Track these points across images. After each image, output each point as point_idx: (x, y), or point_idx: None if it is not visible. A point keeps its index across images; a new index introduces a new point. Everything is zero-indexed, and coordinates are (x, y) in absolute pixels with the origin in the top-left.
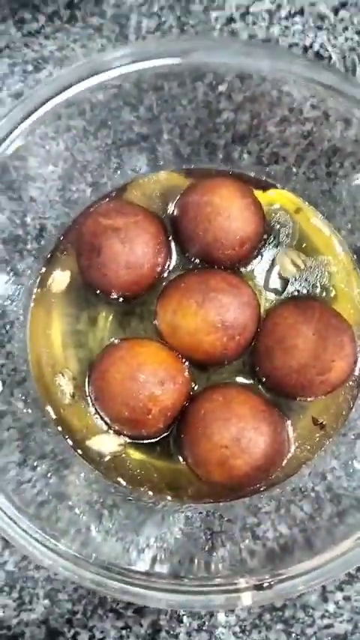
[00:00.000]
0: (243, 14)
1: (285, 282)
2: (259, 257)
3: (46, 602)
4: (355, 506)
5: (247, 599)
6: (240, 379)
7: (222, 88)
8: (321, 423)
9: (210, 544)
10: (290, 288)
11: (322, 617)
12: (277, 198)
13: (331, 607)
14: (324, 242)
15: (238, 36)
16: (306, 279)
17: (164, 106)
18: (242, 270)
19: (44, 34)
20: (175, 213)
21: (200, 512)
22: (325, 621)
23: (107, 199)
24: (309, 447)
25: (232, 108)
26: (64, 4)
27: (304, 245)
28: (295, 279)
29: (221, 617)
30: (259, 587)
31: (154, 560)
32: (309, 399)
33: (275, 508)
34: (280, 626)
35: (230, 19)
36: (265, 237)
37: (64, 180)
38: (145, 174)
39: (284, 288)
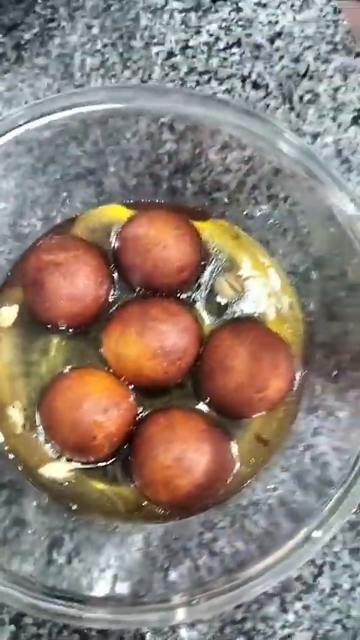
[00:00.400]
0: (183, 48)
1: (225, 305)
2: (199, 283)
3: (12, 627)
4: (309, 514)
5: (180, 614)
6: (185, 402)
7: (164, 119)
8: (264, 439)
9: (168, 562)
10: (229, 311)
11: (283, 627)
12: (215, 227)
13: (290, 617)
14: (260, 266)
15: (178, 70)
16: (244, 301)
17: (109, 140)
18: (183, 296)
19: None
20: (116, 245)
21: (158, 532)
22: (286, 631)
23: (52, 234)
24: (254, 462)
25: (175, 138)
26: (11, 46)
27: (241, 268)
28: (234, 302)
29: (184, 633)
30: (189, 603)
31: (114, 579)
32: (252, 416)
33: (230, 523)
34: (241, 639)
35: (170, 54)
36: (203, 263)
37: (14, 216)
38: (91, 208)
39: (224, 311)
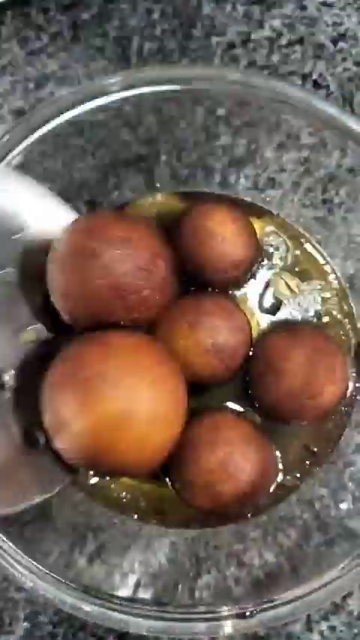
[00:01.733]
0: (244, 41)
1: (278, 305)
2: (253, 280)
3: (26, 624)
4: (343, 535)
5: (228, 627)
6: (232, 404)
7: (221, 112)
8: (312, 450)
9: (195, 570)
10: (283, 312)
11: None
12: (272, 224)
13: (315, 637)
14: (317, 268)
15: (238, 62)
16: (299, 304)
17: (163, 128)
18: (236, 292)
19: (47, 53)
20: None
21: (186, 538)
22: None
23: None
24: (298, 475)
25: (230, 132)
26: (67, 25)
27: (298, 270)
28: (289, 303)
29: None
30: (241, 616)
31: (137, 584)
32: (302, 424)
33: (262, 535)
34: None
35: (231, 45)
36: (259, 260)
37: (60, 198)
38: (141, 196)
39: (277, 311)
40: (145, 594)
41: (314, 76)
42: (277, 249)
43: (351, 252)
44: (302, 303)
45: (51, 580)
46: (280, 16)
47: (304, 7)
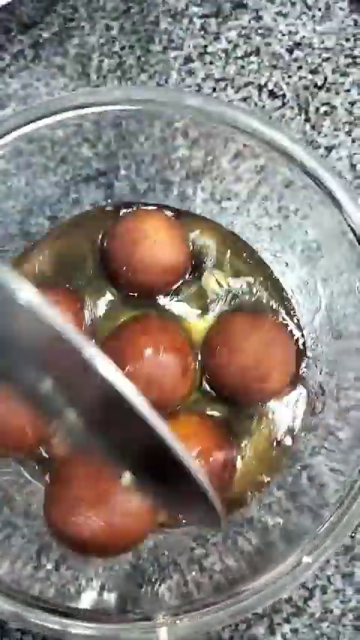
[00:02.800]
0: (200, 54)
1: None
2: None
3: None
4: (299, 536)
5: (163, 634)
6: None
7: (178, 125)
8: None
9: (157, 575)
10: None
11: None
12: (202, 227)
13: (278, 639)
14: (249, 267)
15: (195, 75)
16: (229, 300)
17: (122, 143)
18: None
19: (9, 72)
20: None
21: (148, 544)
22: None
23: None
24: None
25: (188, 144)
26: (29, 44)
27: (228, 268)
28: (220, 298)
29: None
30: (172, 623)
31: (102, 589)
32: (249, 406)
33: (222, 539)
34: None
35: (188, 59)
36: (190, 267)
37: (23, 214)
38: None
39: (208, 308)
40: (109, 598)
41: (270, 86)
42: (207, 250)
43: (302, 260)
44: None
45: None
46: (236, 27)
47: (259, 18)
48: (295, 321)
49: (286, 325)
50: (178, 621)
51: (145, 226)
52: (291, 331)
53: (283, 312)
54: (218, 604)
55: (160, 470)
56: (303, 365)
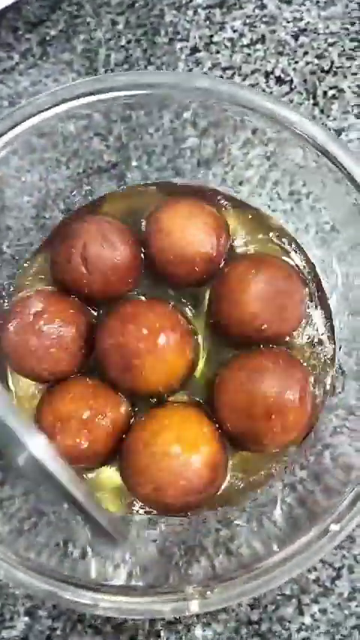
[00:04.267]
0: (206, 44)
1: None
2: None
3: (27, 619)
4: (326, 512)
5: (194, 606)
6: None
7: (187, 115)
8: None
9: (184, 559)
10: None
11: (299, 630)
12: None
13: (307, 620)
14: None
15: (202, 65)
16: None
17: (132, 135)
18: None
19: (18, 70)
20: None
21: (175, 527)
22: (302, 634)
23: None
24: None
25: (197, 134)
26: (36, 42)
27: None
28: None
29: (198, 632)
30: (203, 596)
31: (129, 575)
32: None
33: (247, 521)
34: None
35: (194, 49)
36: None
37: (38, 209)
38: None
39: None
40: (137, 583)
41: (277, 73)
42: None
43: (317, 242)
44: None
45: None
46: (240, 16)
47: (264, 6)
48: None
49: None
50: (209, 592)
51: (176, 218)
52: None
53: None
54: (246, 576)
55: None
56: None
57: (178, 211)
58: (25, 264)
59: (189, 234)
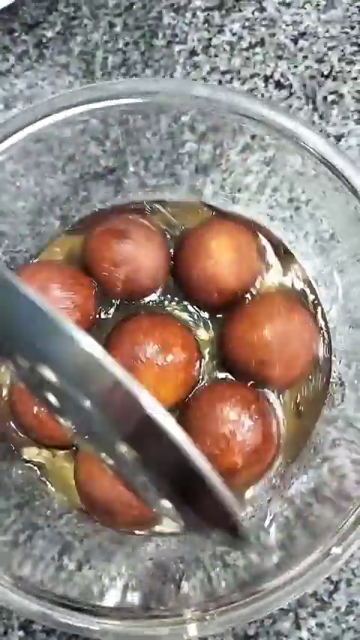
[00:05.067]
0: (205, 47)
1: None
2: None
3: (21, 633)
4: (324, 528)
5: (192, 630)
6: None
7: (185, 119)
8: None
9: (181, 572)
10: None
11: None
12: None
13: (304, 634)
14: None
15: (200, 69)
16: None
17: (129, 139)
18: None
19: (14, 73)
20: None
21: (171, 541)
22: None
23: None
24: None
25: (195, 139)
26: (33, 44)
27: None
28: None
29: None
30: (201, 619)
31: (125, 588)
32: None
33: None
34: None
35: (193, 52)
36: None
37: (33, 215)
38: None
39: None
40: (132, 598)
41: (276, 77)
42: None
43: (316, 250)
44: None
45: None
46: (239, 19)
47: (263, 9)
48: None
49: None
50: (207, 617)
51: (212, 244)
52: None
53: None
54: (246, 599)
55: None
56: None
57: (229, 241)
58: None
59: (237, 269)
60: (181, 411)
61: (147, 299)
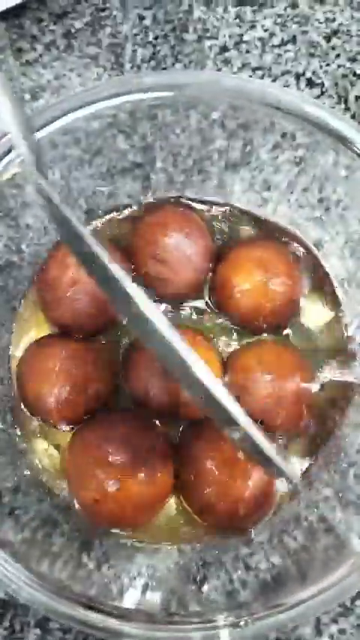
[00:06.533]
0: (236, 43)
1: None
2: None
3: (38, 630)
4: (348, 536)
5: (224, 637)
6: None
7: (215, 115)
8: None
9: (202, 575)
10: None
11: None
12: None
13: None
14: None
15: (231, 65)
16: None
17: (158, 134)
18: None
19: (42, 63)
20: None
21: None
22: None
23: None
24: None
25: (225, 135)
26: (61, 34)
27: None
28: None
29: None
30: (236, 625)
31: (145, 589)
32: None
33: (268, 538)
34: None
35: (224, 48)
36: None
37: None
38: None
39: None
40: (152, 598)
41: (308, 75)
42: None
43: (347, 251)
44: None
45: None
46: (271, 15)
47: (295, 5)
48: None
49: None
50: (242, 623)
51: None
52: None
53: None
54: (278, 609)
55: None
56: None
57: (257, 273)
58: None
59: (264, 301)
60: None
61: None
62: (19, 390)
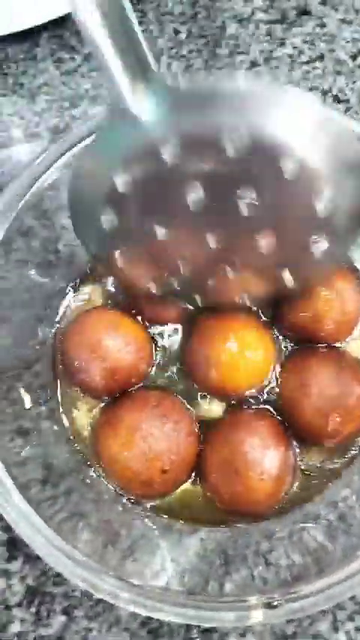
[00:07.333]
0: (266, 59)
1: None
2: None
3: (63, 618)
4: None
5: (258, 616)
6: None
7: None
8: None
9: (224, 568)
10: None
11: None
12: None
13: (342, 637)
14: None
15: (261, 79)
16: None
17: None
18: None
19: (80, 73)
20: None
21: (215, 534)
22: None
23: None
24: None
25: None
26: None
27: None
28: None
29: None
30: (268, 606)
31: (168, 580)
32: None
33: (288, 534)
34: None
35: (254, 63)
36: None
37: None
38: None
39: None
40: (176, 588)
41: (334, 91)
42: None
43: None
44: None
45: (88, 567)
46: (300, 34)
47: (323, 25)
48: None
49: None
50: (276, 602)
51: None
52: None
53: None
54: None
55: None
56: None
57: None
58: None
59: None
60: None
61: None
62: (63, 358)
